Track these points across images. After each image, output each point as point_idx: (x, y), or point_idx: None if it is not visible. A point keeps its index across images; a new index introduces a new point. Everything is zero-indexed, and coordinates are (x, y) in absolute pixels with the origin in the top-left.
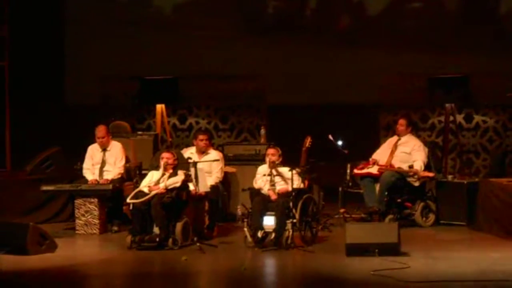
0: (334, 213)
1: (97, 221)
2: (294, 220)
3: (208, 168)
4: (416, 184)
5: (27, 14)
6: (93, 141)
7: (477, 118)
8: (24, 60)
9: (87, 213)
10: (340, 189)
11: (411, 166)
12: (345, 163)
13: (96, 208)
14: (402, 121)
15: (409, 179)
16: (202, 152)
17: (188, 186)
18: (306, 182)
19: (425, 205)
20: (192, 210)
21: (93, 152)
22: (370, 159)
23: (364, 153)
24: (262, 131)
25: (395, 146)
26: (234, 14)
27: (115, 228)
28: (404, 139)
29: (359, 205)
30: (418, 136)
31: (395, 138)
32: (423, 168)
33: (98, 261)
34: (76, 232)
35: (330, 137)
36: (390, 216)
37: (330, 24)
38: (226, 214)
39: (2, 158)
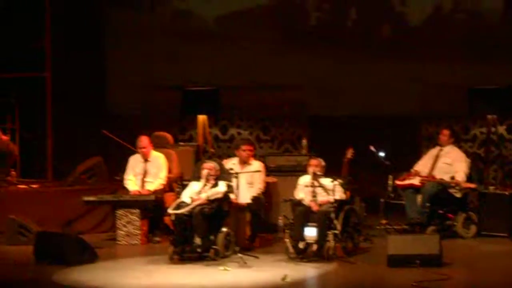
0: (376, 224)
1: (138, 232)
2: (336, 231)
3: (250, 179)
4: (458, 195)
5: (68, 25)
6: (135, 152)
7: None
8: (65, 71)
9: (129, 223)
10: (382, 200)
11: (453, 177)
12: (387, 174)
13: (138, 219)
14: (445, 132)
15: (451, 190)
16: (244, 162)
17: (229, 197)
18: (348, 193)
19: (467, 216)
20: (234, 220)
21: (135, 162)
22: (412, 170)
23: (406, 164)
24: (304, 142)
25: (437, 157)
26: (276, 25)
27: (157, 239)
28: (446, 149)
29: (401, 217)
30: (460, 147)
31: (436, 149)
32: (465, 179)
33: (140, 271)
34: (118, 242)
35: (372, 148)
36: (432, 228)
37: (371, 35)
38: (267, 225)
39: (43, 168)
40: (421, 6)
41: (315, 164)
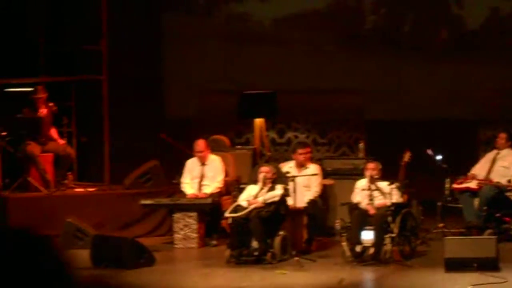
0: (433, 228)
1: (195, 235)
2: (393, 235)
3: (307, 182)
4: None
5: (125, 28)
6: (192, 155)
7: None
8: (122, 74)
9: (186, 227)
10: (439, 203)
11: (510, 181)
12: (444, 177)
13: (195, 222)
14: (502, 135)
15: (508, 194)
16: (301, 166)
17: (286, 201)
18: (405, 197)
19: None
20: (291, 224)
21: (192, 166)
22: (469, 174)
23: (463, 168)
24: (361, 146)
25: (494, 160)
26: (333, 28)
27: (214, 242)
28: (503, 153)
29: (458, 220)
30: None
31: (493, 152)
32: None
33: (197, 275)
34: (175, 246)
35: (429, 151)
36: (489, 231)
37: (428, 39)
38: (324, 228)
39: (100, 172)
40: (478, 9)
41: (372, 167)
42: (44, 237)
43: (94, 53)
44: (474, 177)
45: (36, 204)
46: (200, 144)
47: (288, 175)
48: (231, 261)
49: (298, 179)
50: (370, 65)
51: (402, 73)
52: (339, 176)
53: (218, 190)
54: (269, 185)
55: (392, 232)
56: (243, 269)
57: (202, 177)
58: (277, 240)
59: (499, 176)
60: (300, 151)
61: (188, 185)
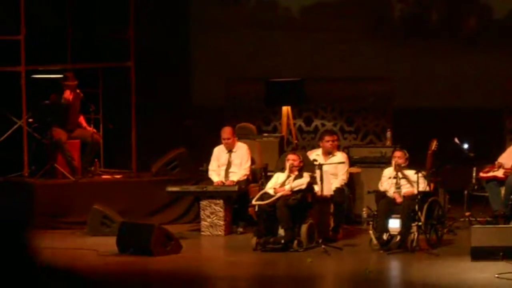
0: (460, 217)
1: (222, 223)
2: (420, 223)
3: (334, 170)
4: None
5: (153, 15)
6: (219, 143)
7: None
8: (149, 61)
9: (213, 214)
10: (465, 192)
11: None
12: (471, 166)
13: (222, 210)
14: None
15: None
16: (328, 154)
17: (313, 188)
18: (432, 185)
19: None
20: (317, 212)
21: (219, 153)
22: (496, 162)
23: (490, 157)
24: (388, 134)
25: None
26: (361, 16)
27: (241, 229)
28: None
29: (485, 209)
30: None
31: None
32: None
33: (223, 262)
34: (201, 233)
35: (456, 140)
36: None
37: (456, 27)
38: (351, 216)
39: (128, 159)
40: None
41: (399, 155)
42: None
43: (121, 40)
44: (501, 166)
45: (63, 191)
46: (227, 131)
47: (315, 163)
48: (258, 248)
49: (325, 167)
50: (397, 53)
51: (429, 61)
52: (366, 164)
53: (245, 177)
54: (296, 173)
55: (419, 221)
56: (269, 257)
57: (229, 164)
58: (304, 228)
59: None
60: (327, 138)
61: (215, 173)
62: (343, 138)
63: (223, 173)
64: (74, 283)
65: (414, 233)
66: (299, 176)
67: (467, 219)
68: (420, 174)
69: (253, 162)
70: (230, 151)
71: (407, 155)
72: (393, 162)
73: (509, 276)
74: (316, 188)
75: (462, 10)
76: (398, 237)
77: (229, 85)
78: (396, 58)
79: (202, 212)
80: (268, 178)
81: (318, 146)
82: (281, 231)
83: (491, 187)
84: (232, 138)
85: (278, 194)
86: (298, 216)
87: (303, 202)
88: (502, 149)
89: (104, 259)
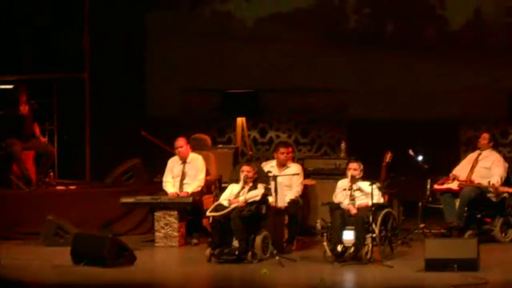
0: (414, 228)
1: (176, 234)
2: (374, 235)
3: (288, 182)
4: (495, 199)
5: (107, 25)
6: (173, 154)
7: None
8: (104, 71)
9: (167, 225)
10: (420, 204)
11: (490, 182)
12: (425, 178)
13: (176, 221)
14: (485, 135)
15: (489, 195)
16: (282, 165)
17: (267, 200)
18: (386, 197)
19: (505, 220)
20: (272, 223)
21: (173, 164)
22: (450, 174)
23: (445, 168)
24: (343, 146)
25: (476, 161)
26: (316, 27)
27: (195, 241)
28: (484, 154)
29: (439, 220)
30: (498, 152)
31: (475, 153)
32: (499, 182)
33: (178, 274)
34: (155, 244)
35: (411, 152)
36: (470, 232)
37: (412, 38)
38: (305, 227)
39: (82, 169)
40: (461, 10)
41: (354, 167)
42: None
43: (76, 51)
44: (455, 178)
45: (17, 202)
46: (180, 140)
47: (270, 174)
48: (212, 260)
49: (279, 179)
50: (353, 64)
51: (384, 72)
52: (320, 176)
53: (199, 188)
54: (250, 184)
55: (373, 232)
56: (223, 268)
57: (183, 175)
58: (258, 240)
59: (480, 177)
60: (281, 150)
61: (170, 184)
62: (297, 149)
63: (177, 184)
64: None
65: (368, 245)
66: (254, 187)
67: (421, 231)
68: (374, 186)
69: (207, 173)
70: (184, 162)
71: (362, 166)
72: (347, 174)
73: None
74: (271, 199)
75: (417, 22)
76: (352, 249)
77: (184, 96)
78: (351, 70)
79: (156, 223)
80: (223, 189)
81: (272, 158)
82: (235, 243)
83: (445, 199)
84: (185, 147)
85: (232, 206)
86: (252, 228)
87: (258, 214)
88: (456, 161)
89: (58, 270)
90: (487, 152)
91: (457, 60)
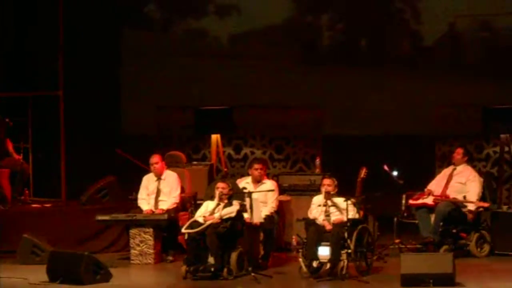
0: (389, 244)
1: (152, 251)
2: (349, 251)
3: (263, 198)
4: (471, 215)
5: (82, 43)
6: (148, 171)
7: None
8: (79, 90)
9: (142, 243)
10: (395, 219)
11: (465, 197)
12: (400, 193)
13: (151, 238)
14: (459, 150)
15: (464, 210)
16: (257, 181)
17: (243, 216)
18: (361, 213)
19: (480, 235)
20: (247, 240)
21: (148, 181)
22: (426, 190)
23: (420, 184)
24: (317, 162)
25: (451, 176)
26: (290, 44)
27: (170, 258)
28: (459, 169)
29: (414, 236)
30: (473, 167)
31: (450, 168)
32: (476, 198)
33: None
34: (131, 262)
35: (386, 167)
36: (445, 247)
37: (386, 55)
38: (281, 244)
39: (57, 188)
40: (436, 25)
41: (328, 183)
42: None
43: (51, 68)
44: (430, 193)
45: None
46: (155, 156)
47: (245, 190)
48: (188, 277)
49: (254, 195)
50: (327, 80)
51: (359, 88)
52: (295, 192)
53: (174, 205)
54: (226, 201)
55: (348, 248)
56: (199, 285)
57: (158, 192)
58: (234, 256)
59: (456, 192)
60: (256, 166)
61: (144, 201)
62: (272, 166)
63: (152, 201)
64: None
65: (344, 261)
66: (229, 204)
67: (396, 246)
68: (349, 202)
69: (182, 190)
70: (159, 179)
71: (336, 182)
72: (322, 190)
73: None
74: (246, 216)
75: (391, 38)
76: (328, 265)
77: (159, 113)
78: (325, 86)
79: (131, 241)
80: (198, 206)
81: (247, 174)
82: (211, 259)
83: (420, 214)
84: (160, 163)
85: (208, 222)
86: (227, 244)
87: (233, 230)
88: (432, 176)
89: None
90: (462, 167)
91: (431, 76)
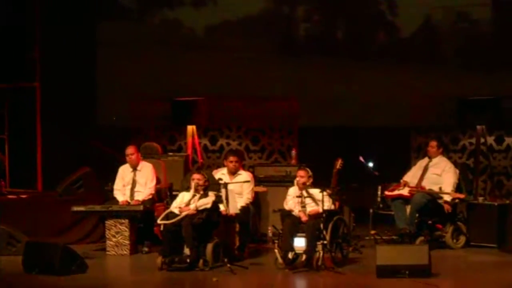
0: (365, 235)
1: (127, 242)
2: (325, 242)
3: (239, 189)
4: (448, 205)
5: (58, 35)
6: (124, 162)
7: (508, 140)
8: (55, 81)
9: (118, 234)
10: (370, 210)
11: (441, 188)
12: (376, 185)
13: (127, 229)
14: (433, 143)
15: (440, 201)
16: (233, 173)
17: (218, 207)
18: (337, 204)
19: (456, 227)
20: (223, 231)
21: (124, 172)
22: (401, 181)
23: (395, 175)
24: (293, 153)
25: (426, 167)
26: (266, 35)
27: (146, 249)
28: (435, 160)
29: (390, 227)
30: (449, 158)
31: (426, 160)
32: (452, 190)
33: (129, 282)
34: (107, 253)
35: (361, 159)
36: (421, 238)
37: (361, 46)
38: (256, 235)
39: (33, 179)
40: (411, 17)
41: (303, 174)
42: None
43: (28, 60)
44: (406, 184)
45: None
46: (130, 148)
47: (221, 182)
48: (163, 268)
49: (230, 186)
50: (303, 72)
51: (334, 80)
52: (271, 183)
53: (150, 196)
54: (201, 192)
55: (324, 239)
56: (175, 276)
57: (134, 183)
58: (209, 247)
59: (431, 184)
60: (230, 158)
61: (120, 192)
62: (248, 157)
63: (128, 192)
64: None
65: (320, 252)
66: (204, 195)
67: (372, 237)
68: (325, 193)
69: (158, 181)
70: (134, 169)
71: (311, 173)
72: (298, 181)
73: None
74: (222, 207)
75: (368, 29)
76: (304, 256)
77: (135, 104)
78: (301, 77)
79: (107, 232)
80: (174, 197)
81: (223, 165)
82: (186, 250)
83: (396, 206)
84: (136, 154)
85: (183, 213)
86: (203, 235)
87: (209, 221)
88: (407, 168)
89: (10, 279)
90: (437, 159)
91: (407, 67)
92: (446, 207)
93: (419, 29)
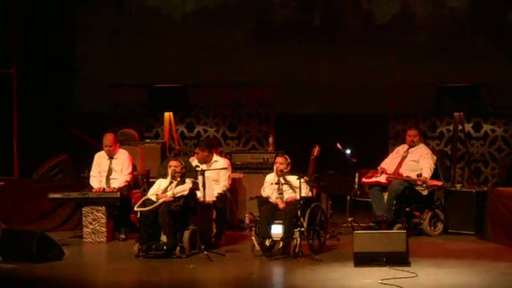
0: (342, 222)
1: (104, 229)
2: (302, 229)
3: (216, 176)
4: (425, 193)
5: (35, 21)
6: (100, 149)
7: (486, 127)
8: (31, 67)
9: (95, 221)
10: (348, 197)
11: (419, 175)
12: (353, 171)
13: (104, 216)
14: (413, 132)
15: (418, 188)
16: (204, 162)
17: (195, 194)
18: (314, 191)
19: (434, 214)
20: (200, 218)
21: (100, 160)
22: (379, 168)
23: (373, 162)
24: (270, 140)
25: (405, 155)
26: (243, 22)
27: (123, 236)
28: (413, 148)
29: (367, 214)
30: (427, 145)
31: (403, 147)
32: (430, 176)
33: (106, 269)
34: (84, 240)
35: (338, 145)
36: (398, 225)
37: (338, 33)
38: (233, 222)
39: (9, 166)
40: (389, 3)
41: (281, 161)
42: None
43: (3, 47)
44: (383, 171)
45: None
46: (109, 138)
47: (197, 169)
48: (140, 255)
49: (207, 173)
50: (280, 58)
51: (312, 66)
52: (248, 170)
53: (126, 183)
54: (178, 179)
55: (301, 226)
56: (152, 263)
57: (110, 171)
58: (186, 234)
59: (409, 170)
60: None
61: (95, 179)
62: (225, 144)
63: (104, 179)
64: None
65: (297, 239)
66: (181, 182)
67: (349, 224)
68: (302, 180)
69: (134, 168)
70: (111, 157)
71: (289, 160)
72: (275, 168)
73: (392, 282)
74: (199, 194)
75: (344, 15)
76: (281, 243)
77: (112, 91)
78: (278, 64)
79: (84, 219)
80: (150, 184)
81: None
82: (163, 238)
83: (373, 193)
84: (113, 146)
85: (160, 200)
86: (180, 222)
87: (185, 208)
88: (385, 155)
89: None
90: (416, 146)
91: (384, 54)
92: (424, 192)
93: (396, 15)
